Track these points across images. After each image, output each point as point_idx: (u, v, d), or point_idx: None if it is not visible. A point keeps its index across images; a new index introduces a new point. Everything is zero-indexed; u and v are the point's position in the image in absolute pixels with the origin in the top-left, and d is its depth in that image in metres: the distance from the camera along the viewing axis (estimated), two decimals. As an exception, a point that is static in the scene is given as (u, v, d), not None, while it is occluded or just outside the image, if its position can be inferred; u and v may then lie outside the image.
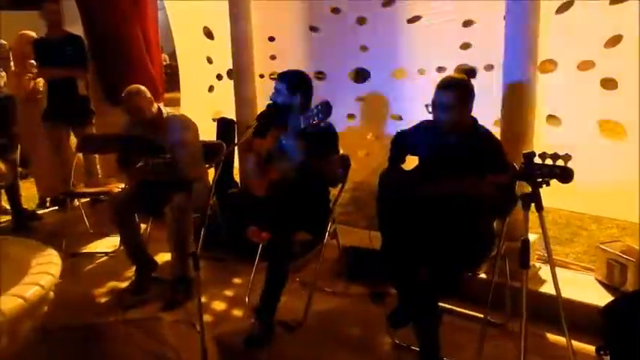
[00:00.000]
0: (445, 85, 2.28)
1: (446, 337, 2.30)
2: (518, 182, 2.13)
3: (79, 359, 2.50)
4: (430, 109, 2.30)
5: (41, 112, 4.36)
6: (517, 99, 2.66)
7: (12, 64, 4.24)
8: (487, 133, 2.35)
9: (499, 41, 2.67)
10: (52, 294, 1.77)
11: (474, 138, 2.30)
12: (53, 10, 4.22)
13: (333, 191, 2.96)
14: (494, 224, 2.46)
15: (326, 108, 2.36)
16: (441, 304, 2.38)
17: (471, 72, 2.33)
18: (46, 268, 1.76)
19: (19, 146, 4.23)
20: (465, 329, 2.57)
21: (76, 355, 2.52)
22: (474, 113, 2.35)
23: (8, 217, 4.38)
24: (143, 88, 3.16)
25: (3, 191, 4.28)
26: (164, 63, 5.10)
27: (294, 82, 2.67)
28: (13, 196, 4.24)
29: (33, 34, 4.48)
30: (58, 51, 4.15)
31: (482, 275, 2.66)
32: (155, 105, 3.19)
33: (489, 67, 2.89)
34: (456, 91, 2.26)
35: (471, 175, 2.14)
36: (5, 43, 4.19)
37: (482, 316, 2.45)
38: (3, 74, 4.10)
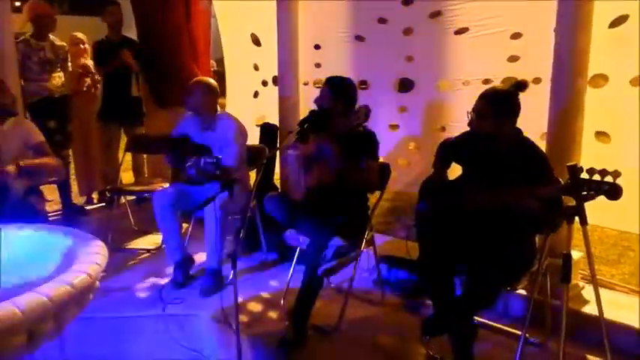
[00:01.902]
0: (482, 95, 2.29)
1: (482, 352, 2.26)
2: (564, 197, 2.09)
3: (117, 350, 2.57)
4: (469, 116, 2.30)
5: (92, 112, 4.56)
6: (565, 113, 2.60)
7: (69, 64, 4.46)
8: (531, 145, 2.31)
9: (548, 54, 2.63)
10: (97, 283, 1.85)
11: (518, 149, 2.27)
12: (114, 13, 4.41)
13: (372, 199, 2.96)
14: (537, 239, 2.41)
15: (365, 112, 2.39)
16: (477, 317, 2.35)
17: (520, 85, 2.30)
18: (93, 258, 1.83)
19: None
20: (502, 345, 2.52)
21: (115, 345, 2.60)
22: (521, 126, 2.32)
23: (58, 210, 4.56)
24: (211, 80, 3.31)
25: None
26: (211, 69, 5.23)
27: (338, 88, 2.71)
28: (65, 191, 4.43)
29: (82, 35, 4.72)
30: (115, 53, 4.34)
31: (522, 291, 2.61)
32: (216, 102, 3.30)
33: (537, 80, 2.85)
34: (491, 100, 2.25)
35: (514, 187, 2.11)
36: (65, 44, 4.41)
37: (520, 332, 2.40)
38: (61, 74, 4.31)
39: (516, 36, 2.95)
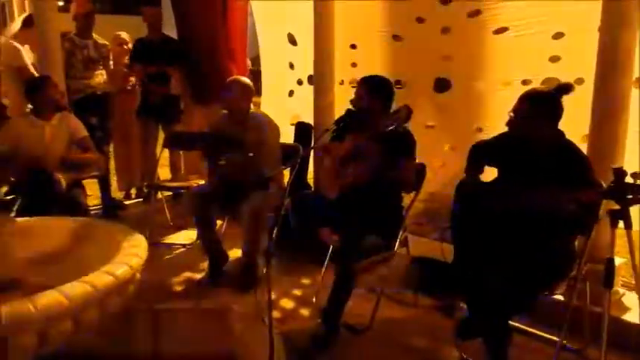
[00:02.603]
0: (522, 96, 2.24)
1: (517, 358, 2.22)
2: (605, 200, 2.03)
3: (151, 340, 2.62)
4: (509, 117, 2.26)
5: (132, 109, 4.67)
6: (608, 115, 2.53)
7: (111, 63, 4.59)
8: (572, 148, 2.25)
9: (591, 54, 2.56)
10: (138, 275, 1.90)
11: (558, 152, 2.22)
12: (153, 14, 4.51)
13: (406, 199, 2.95)
14: (576, 243, 2.35)
15: (406, 112, 2.37)
16: (513, 323, 2.31)
17: (564, 88, 2.24)
18: (134, 251, 1.89)
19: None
20: (538, 351, 2.47)
21: (149, 335, 2.65)
22: (562, 128, 2.26)
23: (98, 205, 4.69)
24: (245, 79, 3.40)
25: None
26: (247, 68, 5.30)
27: (375, 87, 2.71)
28: (105, 185, 4.55)
29: (125, 35, 4.84)
30: (154, 52, 4.44)
31: (559, 297, 2.55)
32: (250, 101, 3.37)
33: (580, 81, 2.78)
34: (531, 102, 2.20)
35: (552, 190, 2.07)
36: (107, 43, 4.54)
37: (557, 339, 2.35)
38: (103, 72, 4.44)
39: (558, 36, 2.89)
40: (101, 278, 1.66)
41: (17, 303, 1.50)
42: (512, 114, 2.25)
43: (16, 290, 1.77)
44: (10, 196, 3.13)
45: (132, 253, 1.88)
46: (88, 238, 2.14)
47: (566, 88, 2.22)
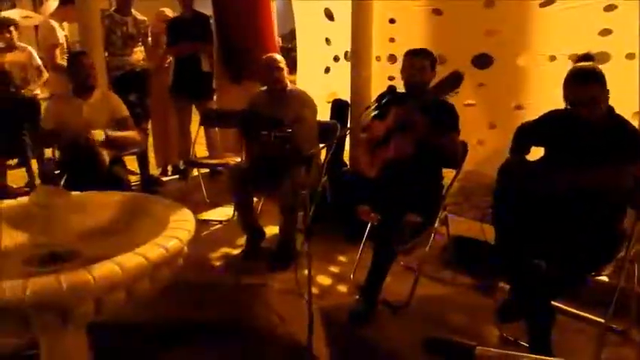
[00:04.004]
0: (580, 79, 2.13)
1: (560, 339, 2.20)
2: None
3: (189, 314, 2.67)
4: (568, 105, 2.17)
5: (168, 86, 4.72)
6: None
7: (149, 39, 4.62)
8: (624, 123, 2.18)
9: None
10: (186, 249, 1.94)
11: (609, 127, 2.15)
12: None
13: (445, 179, 2.91)
14: (625, 223, 2.29)
15: (458, 78, 2.35)
16: (557, 303, 2.28)
17: (587, 58, 2.17)
18: (182, 225, 1.93)
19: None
20: (582, 332, 2.44)
21: (187, 310, 2.70)
22: (612, 104, 2.19)
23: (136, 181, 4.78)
24: (280, 57, 3.43)
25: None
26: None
27: (433, 59, 2.70)
28: (143, 162, 4.63)
29: (169, 11, 4.84)
30: (186, 29, 4.45)
31: (605, 278, 2.50)
32: (287, 78, 3.40)
33: (631, 56, 2.67)
34: (596, 82, 2.12)
35: (604, 167, 2.01)
36: (145, 19, 4.56)
37: (601, 320, 2.31)
38: (142, 49, 4.48)
39: (610, 8, 2.77)
40: (153, 250, 1.70)
41: (76, 273, 1.55)
42: (567, 103, 2.17)
43: (74, 261, 1.84)
44: (56, 171, 3.22)
45: (180, 227, 1.91)
46: (137, 212, 2.19)
47: (588, 59, 2.15)
